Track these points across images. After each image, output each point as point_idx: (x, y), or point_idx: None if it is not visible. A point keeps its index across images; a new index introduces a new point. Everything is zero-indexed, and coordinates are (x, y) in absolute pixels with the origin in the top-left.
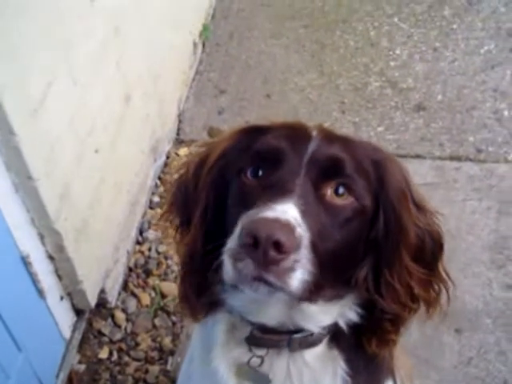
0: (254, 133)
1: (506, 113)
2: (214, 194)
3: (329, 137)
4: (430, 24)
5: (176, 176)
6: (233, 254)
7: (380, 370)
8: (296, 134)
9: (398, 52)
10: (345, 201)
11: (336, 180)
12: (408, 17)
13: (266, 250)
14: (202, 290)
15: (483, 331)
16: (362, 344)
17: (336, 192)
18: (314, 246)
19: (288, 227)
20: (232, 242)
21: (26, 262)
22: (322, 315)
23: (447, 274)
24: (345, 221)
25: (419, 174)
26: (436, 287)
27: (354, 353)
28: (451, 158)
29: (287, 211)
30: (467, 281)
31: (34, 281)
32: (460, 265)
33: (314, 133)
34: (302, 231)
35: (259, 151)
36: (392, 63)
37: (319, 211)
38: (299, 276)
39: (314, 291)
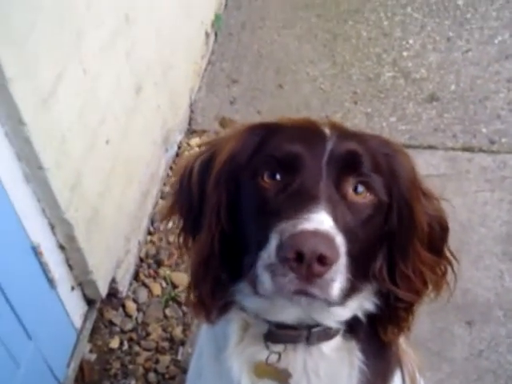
0: (263, 132)
1: None
2: (225, 198)
3: (343, 133)
4: (443, 14)
5: (179, 174)
6: (272, 269)
7: (390, 360)
8: (310, 133)
9: (411, 42)
10: (365, 199)
11: (355, 178)
12: (421, 6)
13: (311, 265)
14: (216, 293)
15: (495, 323)
16: (377, 333)
17: (356, 190)
18: (348, 251)
19: (328, 238)
20: (269, 256)
21: (36, 252)
22: (341, 311)
23: (452, 254)
24: (367, 218)
25: (432, 165)
26: (442, 267)
27: (368, 343)
28: (464, 149)
29: (323, 221)
30: (479, 273)
31: (45, 270)
32: (472, 257)
33: (327, 131)
34: (340, 240)
35: (275, 156)
36: (405, 53)
37: (345, 213)
38: (339, 284)
39: (348, 293)
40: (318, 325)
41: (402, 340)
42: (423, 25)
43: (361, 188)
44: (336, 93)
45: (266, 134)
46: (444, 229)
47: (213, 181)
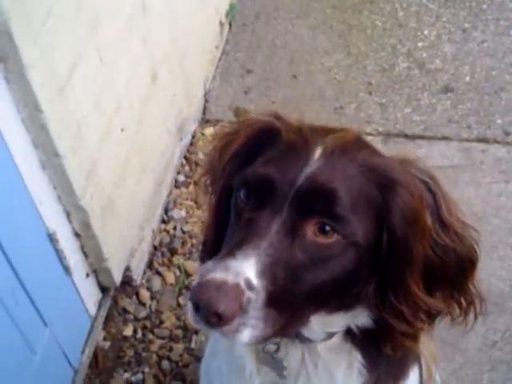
0: (265, 138)
1: None
2: (226, 191)
3: (331, 158)
4: (459, 4)
5: (211, 145)
6: (189, 307)
7: (405, 358)
8: (294, 154)
9: (426, 33)
10: (330, 239)
11: (321, 218)
12: None
13: (207, 317)
14: None
15: (509, 314)
16: (377, 344)
17: (321, 230)
18: (276, 299)
19: (234, 293)
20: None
21: (52, 239)
22: (326, 326)
23: (478, 292)
24: (330, 257)
25: (446, 156)
26: (463, 302)
27: (372, 346)
28: (478, 140)
29: (241, 272)
30: (493, 263)
31: (61, 258)
32: (486, 248)
33: (318, 152)
34: (253, 294)
35: (248, 180)
36: (420, 44)
37: (294, 253)
38: (247, 334)
39: (281, 331)
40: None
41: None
42: (438, 15)
43: (328, 228)
44: (350, 83)
45: (262, 143)
46: (465, 261)
47: (221, 170)
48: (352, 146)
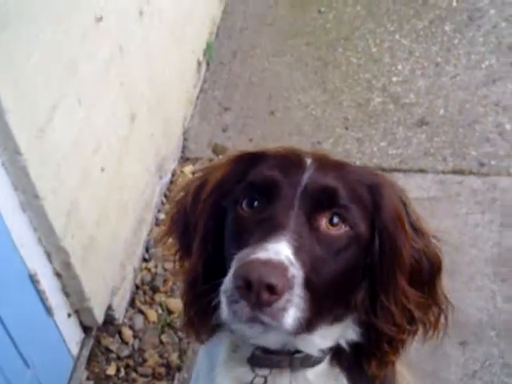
0: (248, 161)
1: (508, 126)
2: (212, 224)
3: (323, 165)
4: (431, 39)
5: (176, 198)
6: (228, 295)
7: (384, 382)
8: (290, 163)
9: (399, 68)
10: (339, 230)
11: (330, 210)
12: (409, 33)
13: (259, 293)
14: (205, 314)
15: (487, 344)
16: (362, 364)
17: (331, 222)
18: (309, 282)
19: (281, 268)
20: (227, 283)
21: (33, 280)
22: (322, 340)
23: (446, 297)
24: (340, 250)
25: (422, 188)
26: (435, 311)
27: (357, 370)
28: (454, 172)
29: (280, 251)
30: (471, 294)
31: (42, 298)
32: (464, 278)
33: (309, 161)
34: (295, 270)
35: (253, 182)
36: (394, 79)
37: (314, 244)
38: (293, 314)
39: (310, 324)
40: (301, 351)
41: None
42: (411, 50)
43: (336, 219)
44: (327, 119)
45: (250, 163)
46: (434, 265)
47: (202, 206)
48: (334, 159)
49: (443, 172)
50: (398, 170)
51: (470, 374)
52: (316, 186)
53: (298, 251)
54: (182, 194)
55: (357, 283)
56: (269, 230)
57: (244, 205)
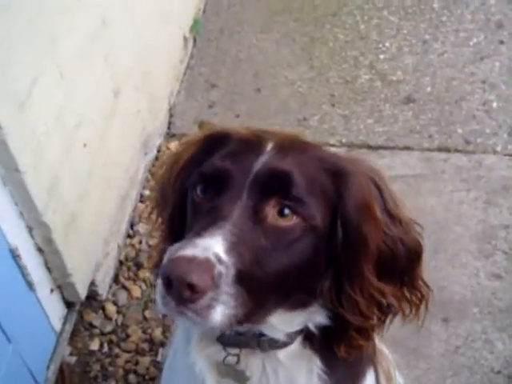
0: (213, 143)
1: (494, 104)
2: (179, 203)
3: (284, 149)
4: (419, 17)
5: (158, 173)
6: (159, 289)
7: (359, 362)
8: (248, 148)
9: (387, 45)
10: (290, 222)
11: (280, 200)
12: (397, 10)
13: (180, 291)
14: None
15: (470, 320)
16: (333, 348)
17: (281, 213)
18: (246, 278)
19: (205, 266)
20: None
21: (14, 255)
22: (284, 325)
23: (426, 284)
24: (292, 242)
25: (408, 166)
26: (413, 297)
27: (330, 351)
28: (440, 150)
29: (209, 247)
30: (455, 271)
31: (23, 273)
32: (448, 255)
33: (270, 145)
34: (223, 268)
35: (204, 173)
36: (381, 56)
37: (258, 237)
38: (221, 311)
39: (250, 317)
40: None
41: (376, 339)
42: (399, 28)
43: (287, 211)
44: (314, 96)
45: (215, 145)
46: (412, 252)
47: (172, 184)
48: (301, 142)
49: (429, 149)
50: (385, 148)
51: (452, 350)
52: (266, 172)
53: (233, 247)
54: (162, 168)
55: (319, 272)
56: (209, 222)
57: (198, 191)
